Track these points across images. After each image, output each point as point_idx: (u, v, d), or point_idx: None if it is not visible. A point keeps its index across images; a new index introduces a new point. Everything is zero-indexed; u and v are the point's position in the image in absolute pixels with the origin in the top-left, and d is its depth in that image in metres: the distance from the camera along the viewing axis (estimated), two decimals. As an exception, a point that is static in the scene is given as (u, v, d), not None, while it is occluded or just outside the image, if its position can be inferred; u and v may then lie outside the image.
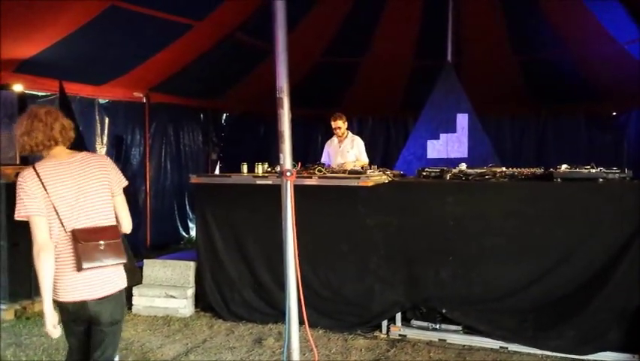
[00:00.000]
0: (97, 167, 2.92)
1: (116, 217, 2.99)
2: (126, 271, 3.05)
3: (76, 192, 2.83)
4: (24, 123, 2.83)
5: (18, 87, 6.50)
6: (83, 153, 2.96)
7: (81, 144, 6.28)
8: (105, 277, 2.87)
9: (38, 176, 2.78)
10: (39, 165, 2.84)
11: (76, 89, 7.09)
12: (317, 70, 9.66)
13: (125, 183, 3.04)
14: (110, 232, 2.89)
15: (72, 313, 2.91)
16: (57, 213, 2.78)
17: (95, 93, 7.39)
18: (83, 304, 2.85)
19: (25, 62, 6.24)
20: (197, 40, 7.47)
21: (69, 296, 2.84)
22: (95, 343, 2.93)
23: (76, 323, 2.95)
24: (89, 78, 7.26)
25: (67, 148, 2.93)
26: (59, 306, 2.89)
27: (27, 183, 2.77)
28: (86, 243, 2.79)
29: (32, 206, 2.75)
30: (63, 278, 2.81)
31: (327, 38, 9.30)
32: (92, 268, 2.80)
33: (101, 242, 2.82)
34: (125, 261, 2.91)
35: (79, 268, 2.77)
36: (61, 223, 2.79)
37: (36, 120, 2.82)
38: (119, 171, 3.02)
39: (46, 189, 2.77)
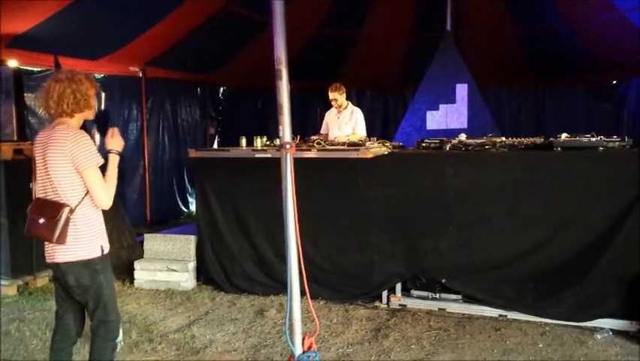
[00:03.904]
0: (57, 140, 2.91)
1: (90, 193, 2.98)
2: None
3: (43, 163, 2.96)
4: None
5: (13, 63, 6.44)
6: (59, 126, 2.96)
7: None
8: (52, 246, 2.96)
9: (34, 144, 3.05)
10: (37, 134, 3.08)
11: (71, 64, 6.98)
12: (314, 42, 9.55)
13: (89, 163, 2.89)
14: (53, 209, 2.89)
15: (54, 277, 3.15)
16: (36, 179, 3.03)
17: (90, 68, 7.31)
18: (55, 267, 3.03)
19: (18, 37, 6.15)
20: (193, 12, 7.36)
21: (46, 259, 3.07)
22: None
23: (56, 287, 3.16)
24: (84, 53, 7.18)
25: (66, 119, 2.99)
26: None
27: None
28: (30, 215, 2.96)
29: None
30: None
31: (324, 10, 9.17)
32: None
33: (41, 219, 2.91)
34: (59, 242, 2.91)
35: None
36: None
37: (46, 86, 2.99)
38: (83, 149, 2.88)
39: (34, 157, 3.03)
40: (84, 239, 2.96)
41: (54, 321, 3.23)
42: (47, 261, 3.05)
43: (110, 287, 3.11)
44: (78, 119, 3.04)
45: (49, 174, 2.93)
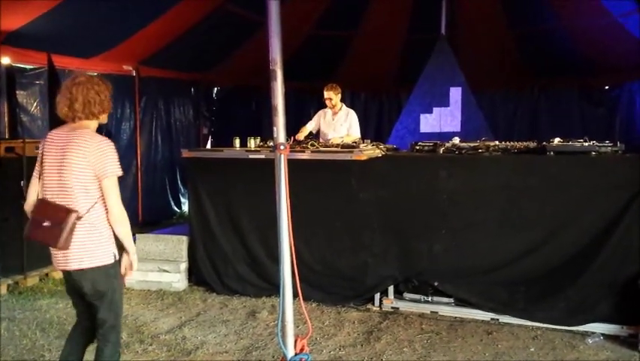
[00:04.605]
0: (80, 145, 2.86)
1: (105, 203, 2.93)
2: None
3: (57, 165, 2.89)
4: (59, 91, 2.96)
5: (5, 60, 6.40)
6: (81, 130, 2.92)
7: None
8: (64, 253, 2.88)
9: (44, 142, 2.97)
10: (50, 132, 3.01)
11: (65, 62, 6.97)
12: (309, 43, 9.55)
13: (114, 172, 2.88)
14: (59, 214, 2.81)
15: (66, 282, 3.08)
16: (41, 179, 2.97)
17: (83, 66, 7.28)
18: (67, 274, 2.98)
19: (11, 35, 6.11)
20: (188, 11, 7.34)
21: (56, 265, 2.99)
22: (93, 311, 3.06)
23: (70, 292, 3.10)
24: (77, 51, 7.14)
25: (87, 122, 2.96)
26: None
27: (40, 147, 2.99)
28: (33, 215, 2.91)
29: (36, 169, 3.00)
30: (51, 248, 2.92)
31: (319, 10, 9.17)
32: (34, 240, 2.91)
33: (46, 222, 2.83)
34: (62, 248, 2.83)
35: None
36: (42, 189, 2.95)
37: (64, 89, 2.92)
38: (109, 157, 2.87)
39: (42, 156, 2.95)
40: (98, 246, 2.90)
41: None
42: (59, 268, 2.97)
43: (121, 293, 3.11)
44: (99, 121, 3.02)
45: (62, 178, 2.86)
